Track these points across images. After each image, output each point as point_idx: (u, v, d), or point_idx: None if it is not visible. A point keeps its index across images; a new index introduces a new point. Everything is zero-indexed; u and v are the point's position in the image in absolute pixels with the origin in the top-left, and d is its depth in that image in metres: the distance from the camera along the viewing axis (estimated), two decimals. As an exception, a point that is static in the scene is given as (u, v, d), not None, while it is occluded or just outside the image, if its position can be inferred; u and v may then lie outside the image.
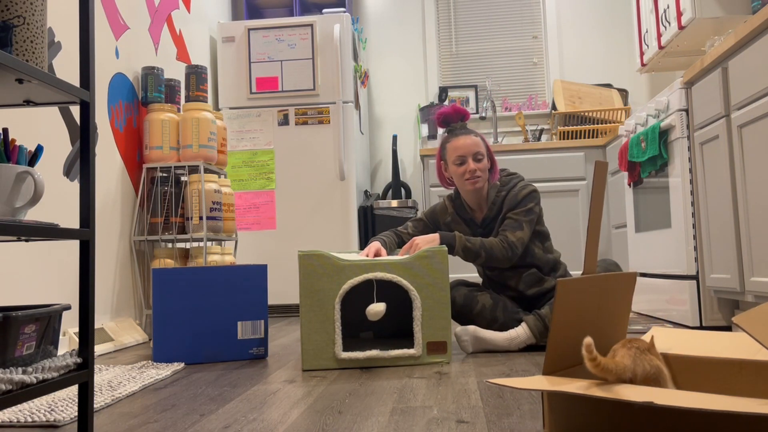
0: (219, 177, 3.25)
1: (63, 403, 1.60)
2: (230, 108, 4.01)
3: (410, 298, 2.09)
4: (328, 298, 2.05)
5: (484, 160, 2.37)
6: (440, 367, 2.01)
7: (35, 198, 1.17)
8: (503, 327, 2.31)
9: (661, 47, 3.56)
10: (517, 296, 2.40)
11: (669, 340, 1.44)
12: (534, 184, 2.43)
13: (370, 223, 4.05)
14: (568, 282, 1.17)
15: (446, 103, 4.66)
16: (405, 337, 2.40)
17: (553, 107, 4.59)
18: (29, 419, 1.45)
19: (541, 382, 1.09)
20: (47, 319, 1.19)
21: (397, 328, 2.46)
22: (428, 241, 2.26)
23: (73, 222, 2.54)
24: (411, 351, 2.06)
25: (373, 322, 2.48)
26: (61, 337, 2.41)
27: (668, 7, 3.39)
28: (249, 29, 4.00)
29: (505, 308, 2.32)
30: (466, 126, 2.43)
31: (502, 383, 1.07)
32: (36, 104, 1.27)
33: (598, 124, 4.41)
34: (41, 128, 2.40)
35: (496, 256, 2.27)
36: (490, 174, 2.41)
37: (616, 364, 1.06)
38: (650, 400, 0.92)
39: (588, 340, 1.04)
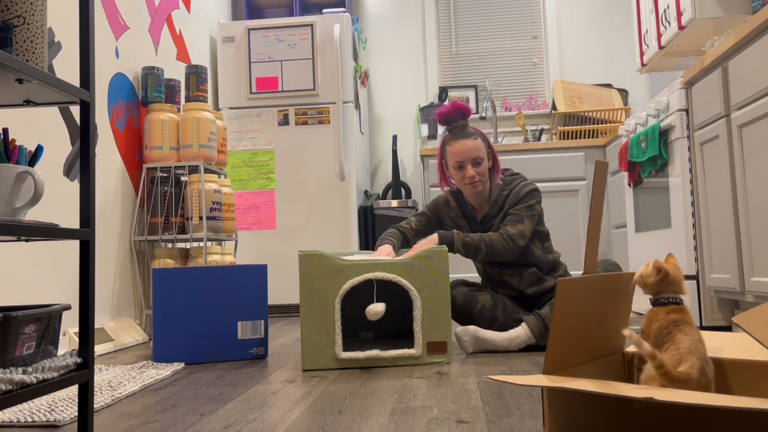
0: (219, 177, 3.25)
1: (63, 403, 1.60)
2: (230, 108, 4.01)
3: (410, 298, 2.09)
4: (328, 298, 2.05)
5: (484, 162, 2.35)
6: (440, 367, 2.01)
7: (35, 198, 1.17)
8: (503, 327, 2.30)
9: (661, 47, 3.56)
10: (516, 296, 2.40)
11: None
12: (535, 184, 2.42)
13: (370, 223, 4.05)
14: (568, 282, 1.17)
15: (446, 102, 4.66)
16: (405, 337, 2.40)
17: (553, 107, 4.59)
18: (29, 419, 1.45)
19: (542, 380, 1.09)
20: (47, 319, 1.19)
21: (397, 328, 2.46)
22: (427, 243, 2.26)
23: (73, 222, 2.54)
24: (411, 351, 2.06)
25: (373, 322, 2.47)
26: (61, 337, 2.41)
27: (668, 7, 3.39)
28: (249, 29, 4.00)
29: (505, 308, 2.32)
30: (467, 125, 2.41)
31: (503, 380, 1.07)
32: (36, 104, 1.27)
33: (598, 124, 4.41)
34: (41, 128, 2.40)
35: (497, 248, 2.27)
36: (492, 173, 2.41)
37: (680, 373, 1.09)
38: (650, 397, 0.92)
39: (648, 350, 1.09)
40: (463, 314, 2.37)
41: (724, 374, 1.26)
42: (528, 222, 2.31)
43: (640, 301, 3.30)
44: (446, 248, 2.12)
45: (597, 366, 1.32)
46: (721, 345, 1.35)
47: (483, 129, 4.72)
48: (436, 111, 2.43)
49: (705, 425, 1.02)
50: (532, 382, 1.07)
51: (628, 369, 1.42)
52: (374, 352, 2.04)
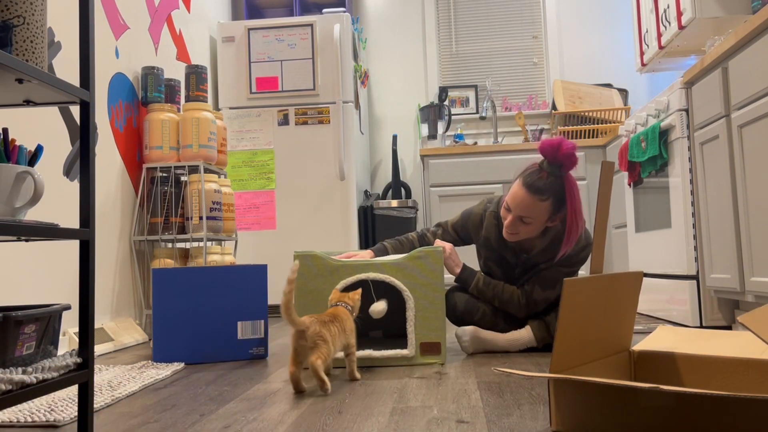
0: (219, 177, 3.24)
1: (63, 403, 1.60)
2: (230, 108, 4.01)
3: (403, 299, 2.09)
4: (322, 298, 2.05)
5: (532, 227, 2.11)
6: (440, 367, 2.01)
7: (35, 198, 1.17)
8: (503, 333, 2.29)
9: (661, 47, 3.56)
10: None
11: (675, 339, 1.44)
12: (591, 239, 2.20)
13: (370, 223, 4.04)
14: (575, 281, 1.17)
15: (446, 102, 4.66)
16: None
17: (553, 107, 4.59)
18: (29, 419, 1.44)
19: (549, 373, 1.10)
20: (47, 319, 1.19)
21: (404, 328, 2.46)
22: (452, 262, 2.29)
23: (73, 222, 2.54)
24: (404, 352, 2.05)
25: (382, 321, 2.46)
26: (61, 337, 2.41)
27: (668, 7, 3.38)
28: (249, 29, 4.00)
29: (506, 316, 2.31)
30: (552, 175, 2.06)
31: (511, 371, 1.07)
32: (36, 104, 1.27)
33: (598, 124, 4.41)
34: (41, 128, 2.39)
35: (510, 306, 2.26)
36: (556, 243, 2.18)
37: None
38: (656, 386, 0.92)
39: None
40: (463, 321, 2.35)
41: (731, 373, 1.26)
42: (560, 287, 2.21)
43: (641, 302, 3.30)
44: (441, 249, 2.11)
45: (603, 365, 1.32)
46: (727, 344, 1.35)
47: (483, 129, 4.72)
48: (544, 140, 2.14)
49: (713, 422, 1.01)
50: (540, 374, 1.08)
51: (635, 368, 1.42)
52: (366, 353, 2.04)
